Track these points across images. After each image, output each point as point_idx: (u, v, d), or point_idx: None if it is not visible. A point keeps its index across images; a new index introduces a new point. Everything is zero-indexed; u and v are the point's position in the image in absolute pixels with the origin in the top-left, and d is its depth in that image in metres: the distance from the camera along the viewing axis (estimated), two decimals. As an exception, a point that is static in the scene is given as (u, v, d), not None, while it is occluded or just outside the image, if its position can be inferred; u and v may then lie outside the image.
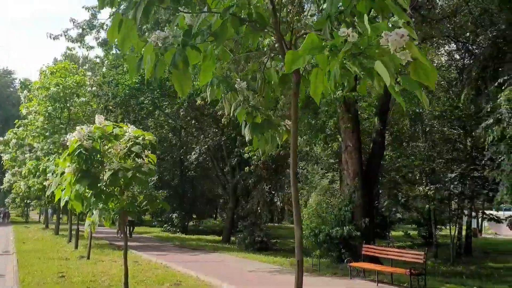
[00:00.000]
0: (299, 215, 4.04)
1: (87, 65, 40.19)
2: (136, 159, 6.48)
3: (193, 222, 35.55)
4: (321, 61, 2.93)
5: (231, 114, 4.85)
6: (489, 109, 10.89)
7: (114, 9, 16.19)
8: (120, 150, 6.42)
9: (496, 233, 38.14)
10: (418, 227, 29.01)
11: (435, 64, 23.81)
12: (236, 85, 4.87)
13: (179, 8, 3.87)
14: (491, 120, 9.87)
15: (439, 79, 23.93)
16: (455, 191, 20.37)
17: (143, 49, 4.07)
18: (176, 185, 32.92)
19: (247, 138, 4.89)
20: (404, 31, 2.54)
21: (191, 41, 3.89)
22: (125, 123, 7.40)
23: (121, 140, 6.75)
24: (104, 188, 6.34)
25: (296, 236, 4.09)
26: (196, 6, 4.10)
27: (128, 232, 24.58)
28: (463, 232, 22.80)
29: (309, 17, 4.06)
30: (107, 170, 6.20)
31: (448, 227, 23.17)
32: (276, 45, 4.94)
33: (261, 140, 4.93)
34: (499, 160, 11.02)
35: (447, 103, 22.94)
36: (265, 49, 5.11)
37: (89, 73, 26.96)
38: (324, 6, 3.24)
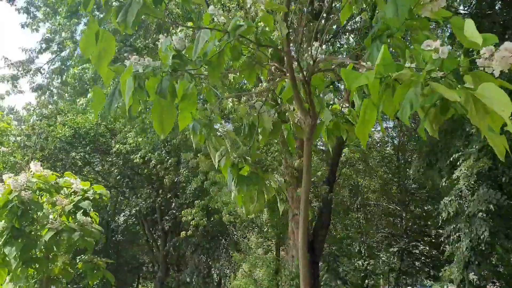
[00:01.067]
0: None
1: (12, 116, 37.51)
2: (82, 217, 5.34)
3: (114, 292, 32.47)
4: (373, 89, 2.25)
5: (217, 165, 4.07)
6: (444, 184, 10.87)
7: (53, 55, 14.86)
8: (65, 205, 5.27)
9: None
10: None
11: (370, 140, 24.50)
12: (220, 130, 4.12)
13: (173, 21, 3.15)
14: (452, 196, 9.76)
15: (376, 154, 24.53)
16: (393, 266, 20.24)
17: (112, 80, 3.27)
18: (100, 250, 30.25)
19: (233, 195, 4.08)
20: (513, 45, 1.91)
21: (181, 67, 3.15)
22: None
23: (62, 193, 5.61)
24: (39, 253, 5.10)
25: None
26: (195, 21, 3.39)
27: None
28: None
29: (321, 53, 3.49)
30: (46, 230, 5.01)
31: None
32: (269, 85, 4.26)
33: (245, 197, 4.12)
34: (454, 236, 10.84)
35: (384, 176, 23.46)
36: (259, 87, 4.36)
37: (15, 122, 24.91)
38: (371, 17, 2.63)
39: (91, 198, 5.41)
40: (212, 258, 21.99)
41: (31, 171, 5.54)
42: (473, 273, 10.88)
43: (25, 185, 5.01)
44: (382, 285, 26.39)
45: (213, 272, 22.34)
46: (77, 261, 6.02)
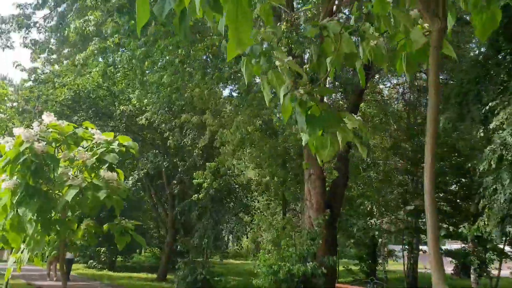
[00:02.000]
0: (439, 256, 2.45)
1: (7, 80, 36.31)
2: (108, 173, 4.55)
3: (121, 258, 32.21)
4: None
5: (281, 101, 3.26)
6: (482, 134, 10.15)
7: (50, 11, 13.62)
8: (87, 159, 4.46)
9: (425, 267, 38.59)
10: (361, 262, 28.26)
11: (380, 97, 23.69)
12: (278, 62, 3.27)
13: None
14: (498, 144, 9.02)
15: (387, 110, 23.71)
16: (408, 225, 19.82)
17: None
18: (104, 216, 29.76)
19: (304, 140, 3.29)
20: None
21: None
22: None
23: (83, 146, 4.81)
24: (59, 215, 4.34)
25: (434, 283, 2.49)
26: None
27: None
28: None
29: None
30: (67, 188, 4.22)
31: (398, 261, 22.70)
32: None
33: (317, 141, 3.32)
34: (490, 189, 10.19)
35: (395, 134, 22.75)
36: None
37: (11, 89, 23.82)
38: None
39: (117, 151, 4.60)
40: (222, 221, 21.48)
41: (44, 123, 4.71)
42: (510, 226, 10.37)
43: (38, 135, 4.20)
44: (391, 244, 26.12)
45: (224, 234, 21.86)
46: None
